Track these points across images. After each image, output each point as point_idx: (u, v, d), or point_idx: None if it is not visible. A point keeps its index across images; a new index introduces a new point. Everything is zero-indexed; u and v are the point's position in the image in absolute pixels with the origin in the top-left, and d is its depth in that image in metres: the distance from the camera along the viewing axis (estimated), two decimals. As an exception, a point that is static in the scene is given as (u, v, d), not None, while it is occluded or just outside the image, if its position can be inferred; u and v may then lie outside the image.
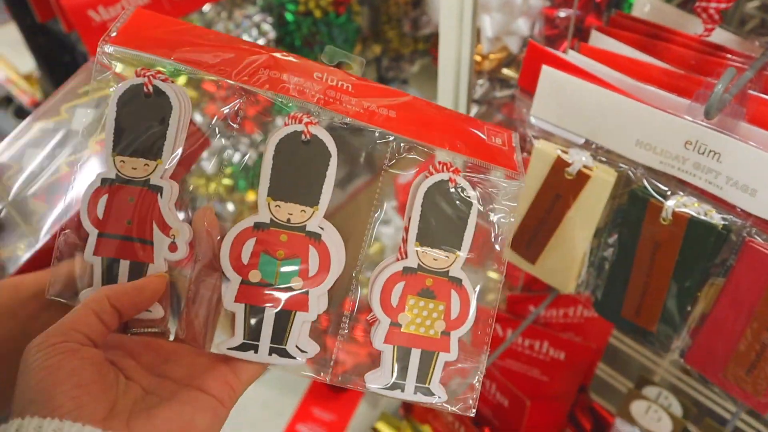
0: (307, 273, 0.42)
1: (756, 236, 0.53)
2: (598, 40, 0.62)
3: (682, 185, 0.56)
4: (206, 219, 0.42)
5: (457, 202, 0.44)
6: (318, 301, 0.42)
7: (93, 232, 0.42)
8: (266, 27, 1.06)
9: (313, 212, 0.42)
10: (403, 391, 0.43)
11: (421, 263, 0.44)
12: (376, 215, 0.44)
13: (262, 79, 0.41)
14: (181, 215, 0.43)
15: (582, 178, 0.59)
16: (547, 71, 0.59)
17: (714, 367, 0.60)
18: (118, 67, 0.41)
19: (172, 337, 0.43)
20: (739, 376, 0.58)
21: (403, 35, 1.23)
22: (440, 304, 0.44)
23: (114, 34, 0.40)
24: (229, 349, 0.41)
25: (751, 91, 0.52)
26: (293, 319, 0.42)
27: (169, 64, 0.40)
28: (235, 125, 0.43)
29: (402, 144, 0.43)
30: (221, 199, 1.05)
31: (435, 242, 0.44)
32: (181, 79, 0.43)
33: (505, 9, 0.84)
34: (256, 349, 0.41)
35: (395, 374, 0.43)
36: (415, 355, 0.44)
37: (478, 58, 0.89)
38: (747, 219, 0.53)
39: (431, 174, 0.43)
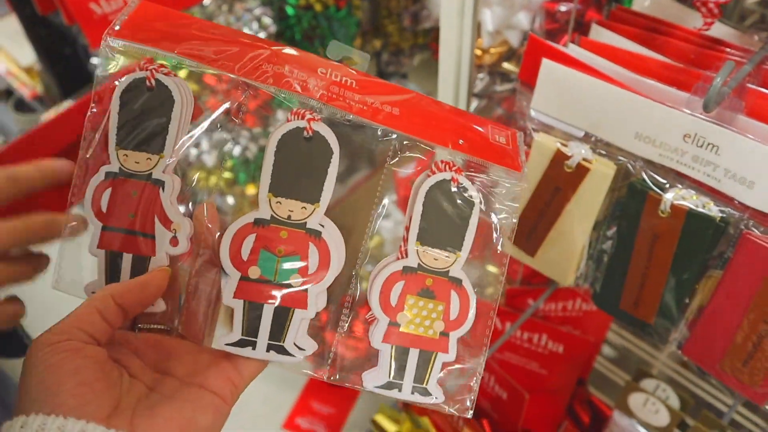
0: (306, 270, 0.41)
1: (753, 228, 0.53)
2: (599, 33, 0.62)
3: (680, 178, 0.56)
4: (207, 214, 0.42)
5: (459, 201, 0.43)
6: (317, 299, 0.42)
7: (97, 225, 0.42)
8: (267, 20, 1.06)
9: (314, 209, 0.42)
10: (400, 390, 0.43)
11: (421, 263, 0.43)
12: (376, 212, 0.44)
13: (266, 74, 0.40)
14: (182, 209, 0.43)
15: (581, 171, 0.59)
16: (547, 64, 0.59)
17: (711, 359, 0.61)
18: (122, 60, 0.41)
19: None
20: (736, 367, 0.59)
21: (403, 29, 1.23)
22: (440, 305, 0.43)
23: (117, 27, 0.40)
24: (227, 344, 0.41)
25: (749, 85, 0.52)
26: (292, 316, 0.41)
27: (172, 58, 0.40)
28: (237, 120, 0.43)
29: (405, 142, 0.42)
30: (222, 193, 1.06)
31: (436, 242, 0.43)
32: (182, 72, 0.43)
33: (505, 3, 0.84)
34: (253, 345, 0.41)
35: (392, 374, 0.43)
36: (413, 355, 0.43)
37: (478, 52, 0.89)
38: (745, 211, 0.53)
39: (433, 173, 0.43)
